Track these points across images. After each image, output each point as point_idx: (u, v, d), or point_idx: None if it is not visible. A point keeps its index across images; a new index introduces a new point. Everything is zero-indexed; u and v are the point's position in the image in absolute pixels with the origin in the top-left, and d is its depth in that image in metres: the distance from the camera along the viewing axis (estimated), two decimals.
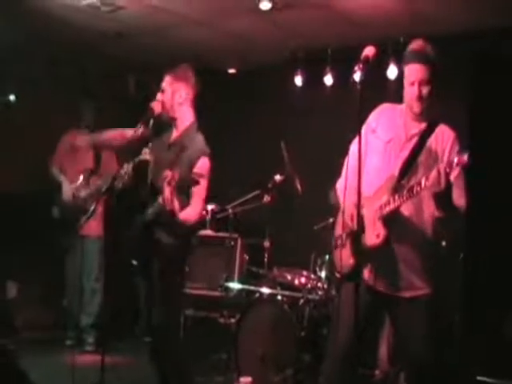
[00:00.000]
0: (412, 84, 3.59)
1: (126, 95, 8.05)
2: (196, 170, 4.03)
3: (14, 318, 6.81)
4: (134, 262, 4.28)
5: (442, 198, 3.39)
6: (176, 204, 3.88)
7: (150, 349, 4.31)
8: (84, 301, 6.58)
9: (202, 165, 4.10)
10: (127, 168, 4.33)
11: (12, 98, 7.39)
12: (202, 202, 4.20)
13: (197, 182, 3.86)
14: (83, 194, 6.46)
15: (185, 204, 4.08)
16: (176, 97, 4.28)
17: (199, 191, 4.14)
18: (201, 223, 4.40)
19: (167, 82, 4.30)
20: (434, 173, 3.29)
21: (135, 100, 7.72)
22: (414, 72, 3.59)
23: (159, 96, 4.27)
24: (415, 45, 3.64)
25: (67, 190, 6.52)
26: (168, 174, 3.81)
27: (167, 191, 3.80)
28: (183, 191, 4.02)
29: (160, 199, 3.90)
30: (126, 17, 6.26)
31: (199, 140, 4.22)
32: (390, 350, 4.90)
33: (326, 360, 3.85)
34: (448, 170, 3.26)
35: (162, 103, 4.25)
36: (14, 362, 3.68)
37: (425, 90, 3.58)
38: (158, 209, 4.02)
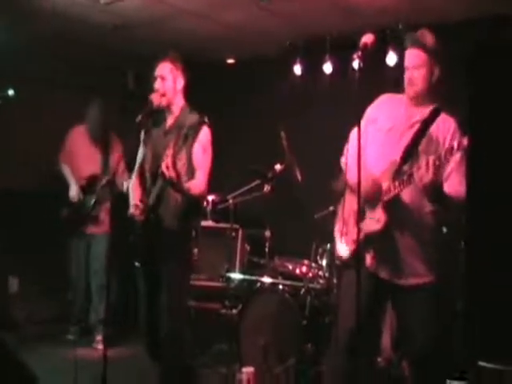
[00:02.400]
0: (407, 68, 3.66)
1: (125, 88, 8.02)
2: (200, 141, 4.14)
3: (15, 313, 6.81)
4: (137, 264, 4.29)
5: (431, 190, 3.41)
6: (177, 170, 3.88)
7: (148, 344, 4.34)
8: (92, 299, 6.57)
9: (205, 135, 4.19)
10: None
11: (11, 92, 7.37)
12: (206, 174, 4.21)
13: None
14: (88, 199, 6.45)
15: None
16: (177, 83, 4.31)
17: (202, 163, 4.19)
18: (206, 195, 4.42)
19: (167, 68, 4.29)
20: (423, 164, 3.31)
21: (134, 92, 7.70)
22: (408, 57, 3.67)
23: (159, 83, 4.27)
24: (417, 31, 3.67)
25: (74, 193, 6.50)
26: (169, 151, 3.85)
27: (168, 160, 3.82)
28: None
29: (160, 171, 3.93)
30: (124, 9, 6.22)
31: (195, 115, 4.24)
32: (392, 337, 4.91)
33: (329, 348, 3.86)
34: (448, 155, 3.29)
35: (164, 90, 4.26)
36: (14, 356, 3.68)
37: (416, 75, 3.62)
38: (160, 186, 4.05)
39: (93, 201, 6.41)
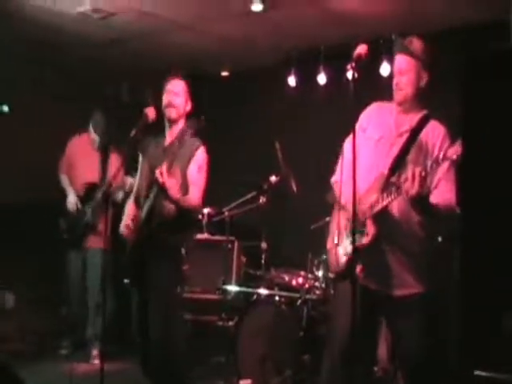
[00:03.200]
0: (395, 73, 3.68)
1: (120, 101, 8.03)
2: (196, 160, 4.22)
3: (10, 328, 6.77)
4: (126, 281, 4.29)
5: (418, 202, 3.41)
6: (171, 180, 3.96)
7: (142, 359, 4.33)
8: (88, 315, 6.48)
9: (201, 155, 4.27)
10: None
11: (5, 108, 7.38)
12: (200, 191, 4.25)
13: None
14: (86, 208, 6.43)
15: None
16: (187, 105, 4.38)
17: (197, 181, 4.23)
18: (200, 209, 4.45)
19: (181, 86, 4.36)
20: (408, 176, 3.31)
21: (129, 105, 7.71)
22: (395, 62, 3.69)
23: (173, 98, 4.31)
24: (406, 37, 3.69)
25: (72, 201, 6.48)
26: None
27: (163, 167, 3.92)
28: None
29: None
30: (117, 23, 6.26)
31: (194, 139, 4.29)
32: (388, 347, 4.89)
33: (324, 359, 3.84)
34: (435, 165, 3.29)
35: (178, 105, 4.31)
36: (10, 372, 3.64)
37: (403, 79, 3.63)
38: (154, 196, 4.08)
39: (89, 214, 6.38)
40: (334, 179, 3.92)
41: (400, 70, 3.63)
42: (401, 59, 3.65)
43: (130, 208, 4.42)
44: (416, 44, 3.63)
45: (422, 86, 3.64)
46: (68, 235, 6.44)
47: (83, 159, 6.58)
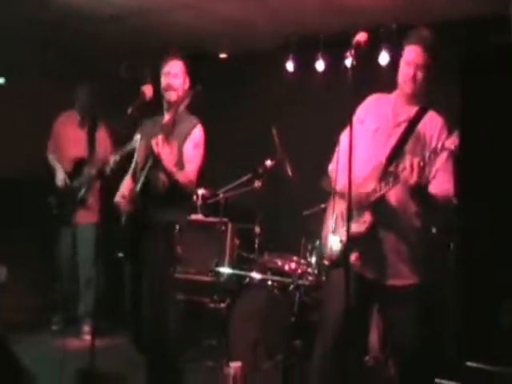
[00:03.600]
0: (408, 64, 3.63)
1: (118, 78, 8.00)
2: (192, 138, 4.26)
3: (2, 302, 6.78)
4: (120, 255, 4.31)
5: (416, 192, 3.43)
6: (166, 150, 4.02)
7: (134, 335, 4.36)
8: (80, 290, 6.54)
9: (198, 133, 4.32)
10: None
11: (1, 80, 7.35)
12: (196, 168, 4.29)
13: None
14: (75, 183, 6.44)
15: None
16: (185, 84, 4.40)
17: (193, 159, 4.27)
18: (194, 186, 4.47)
19: (179, 67, 4.38)
20: (407, 165, 3.33)
21: (126, 83, 7.68)
22: (413, 53, 3.62)
23: (172, 80, 4.33)
24: (419, 28, 3.68)
25: (61, 178, 6.49)
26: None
27: (159, 138, 4.00)
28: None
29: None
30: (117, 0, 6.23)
31: (191, 117, 4.37)
32: (380, 336, 4.92)
33: (316, 345, 3.87)
34: (433, 156, 3.31)
35: (177, 87, 4.34)
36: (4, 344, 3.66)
37: (420, 73, 3.61)
38: (149, 167, 4.14)
39: (78, 189, 6.40)
40: (330, 167, 3.94)
41: (413, 61, 3.60)
42: (414, 51, 3.62)
43: (126, 182, 4.45)
44: (428, 36, 3.61)
45: (430, 78, 3.64)
46: (58, 211, 6.46)
47: (70, 136, 6.64)
